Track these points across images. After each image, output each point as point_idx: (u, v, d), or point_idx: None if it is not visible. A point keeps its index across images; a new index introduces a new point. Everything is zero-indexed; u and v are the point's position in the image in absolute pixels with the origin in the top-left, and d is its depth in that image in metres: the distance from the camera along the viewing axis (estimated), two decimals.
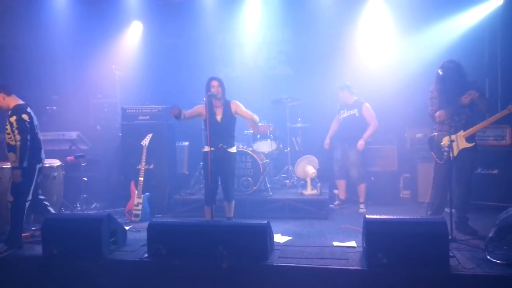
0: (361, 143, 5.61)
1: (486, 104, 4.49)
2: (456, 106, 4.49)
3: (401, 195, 6.43)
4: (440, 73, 4.52)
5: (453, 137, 4.43)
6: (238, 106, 4.88)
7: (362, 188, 5.83)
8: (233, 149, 4.93)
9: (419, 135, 6.27)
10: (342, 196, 6.03)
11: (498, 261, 3.62)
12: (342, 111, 5.86)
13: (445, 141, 4.51)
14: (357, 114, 5.71)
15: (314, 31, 7.00)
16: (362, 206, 5.77)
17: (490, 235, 3.88)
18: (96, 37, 7.24)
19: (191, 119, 4.97)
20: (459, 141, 4.49)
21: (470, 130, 4.45)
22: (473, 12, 6.41)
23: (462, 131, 4.50)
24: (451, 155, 4.43)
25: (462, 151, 4.47)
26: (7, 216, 4.56)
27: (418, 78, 6.23)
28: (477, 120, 4.53)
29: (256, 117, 4.93)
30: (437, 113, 4.62)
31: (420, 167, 6.03)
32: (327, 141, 6.05)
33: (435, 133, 4.73)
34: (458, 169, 4.53)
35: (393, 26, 6.67)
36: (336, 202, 6.02)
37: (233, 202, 4.98)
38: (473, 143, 4.50)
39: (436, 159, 4.67)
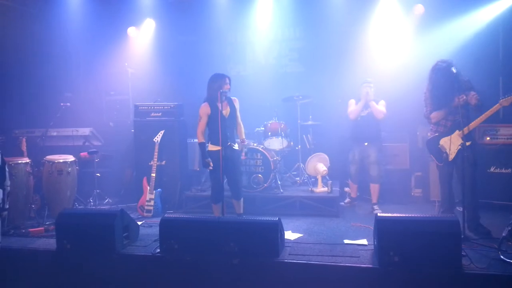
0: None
1: (478, 104, 4.44)
2: (450, 106, 4.50)
3: (412, 194, 6.39)
4: (433, 73, 4.57)
5: (449, 137, 4.51)
6: (238, 105, 4.97)
7: (376, 188, 5.68)
8: (237, 146, 4.99)
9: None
10: (354, 194, 5.97)
11: (511, 261, 3.58)
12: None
13: (442, 142, 4.55)
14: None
15: (325, 28, 6.96)
16: (376, 207, 5.61)
17: (504, 234, 3.85)
18: (109, 35, 7.31)
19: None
20: (456, 141, 4.49)
21: (465, 129, 4.38)
22: (488, 10, 6.31)
23: (457, 131, 4.47)
24: (449, 156, 4.49)
25: (460, 151, 4.43)
26: (23, 210, 4.62)
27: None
28: (473, 118, 4.50)
29: (242, 127, 5.06)
30: (433, 114, 4.63)
31: (432, 166, 5.96)
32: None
33: (431, 135, 4.73)
34: (459, 169, 4.50)
35: (405, 23, 6.60)
36: (347, 200, 6.00)
37: (242, 198, 5.02)
38: (470, 142, 4.47)
39: (436, 162, 4.69)
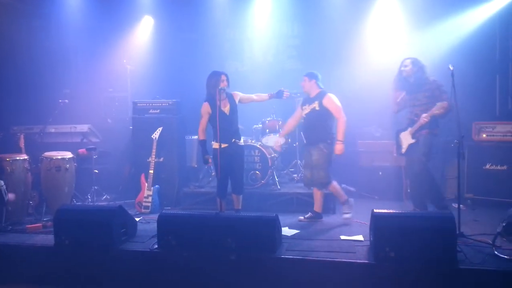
0: (339, 148, 4.80)
1: (445, 108, 4.57)
2: (411, 105, 4.82)
3: (408, 190, 6.41)
4: (398, 72, 4.84)
5: (402, 134, 4.92)
6: (238, 95, 4.98)
7: (318, 195, 5.03)
8: (242, 142, 5.03)
9: None
10: (318, 208, 5.09)
11: (505, 257, 3.62)
12: (304, 107, 5.05)
13: (401, 136, 4.95)
14: (317, 108, 4.88)
15: (324, 25, 6.97)
16: (311, 214, 5.02)
17: (498, 230, 3.89)
18: (107, 32, 7.31)
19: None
20: (407, 138, 4.85)
21: (414, 127, 4.74)
22: (485, 8, 6.33)
23: (410, 128, 4.81)
24: (402, 150, 4.96)
25: (410, 146, 4.82)
26: (21, 206, 4.63)
27: (428, 73, 6.21)
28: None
29: (260, 95, 5.07)
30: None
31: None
32: (279, 140, 5.47)
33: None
34: (408, 163, 5.00)
35: (404, 21, 6.61)
36: (308, 215, 5.14)
37: (242, 195, 5.06)
38: (415, 139, 4.76)
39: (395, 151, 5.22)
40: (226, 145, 4.79)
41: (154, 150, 5.81)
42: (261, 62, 7.46)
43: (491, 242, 3.85)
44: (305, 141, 5.24)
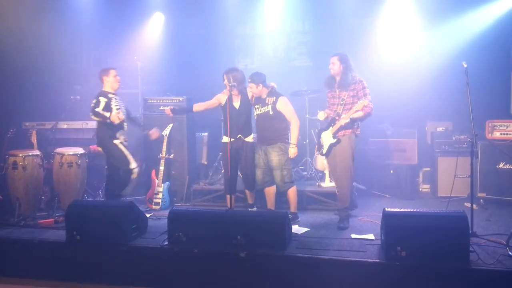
0: (293, 151, 4.80)
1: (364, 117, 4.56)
2: (333, 103, 4.73)
3: (420, 189, 6.38)
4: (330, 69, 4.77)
5: (324, 133, 4.80)
6: (251, 88, 4.91)
7: (290, 193, 4.93)
8: (250, 138, 5.01)
9: (440, 128, 6.19)
10: (271, 205, 5.05)
11: None
12: (257, 106, 4.95)
13: (322, 135, 4.83)
14: (271, 112, 4.81)
15: (335, 22, 6.91)
16: (291, 216, 4.69)
17: None
18: (118, 28, 7.32)
19: (209, 110, 5.20)
20: (328, 137, 4.73)
21: (335, 128, 4.64)
22: (499, 4, 6.23)
23: (331, 127, 4.69)
24: (323, 150, 4.83)
25: (330, 146, 4.73)
26: (34, 201, 4.69)
27: (441, 71, 6.15)
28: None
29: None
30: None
31: (440, 161, 5.96)
32: None
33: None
34: (330, 163, 4.88)
35: (416, 18, 6.53)
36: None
37: (254, 190, 5.09)
38: (336, 139, 4.66)
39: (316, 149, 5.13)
40: (232, 139, 4.75)
41: (164, 147, 5.83)
42: (272, 58, 7.42)
43: (504, 243, 3.80)
44: (256, 140, 5.06)
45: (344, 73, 4.62)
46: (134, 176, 5.13)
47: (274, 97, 4.85)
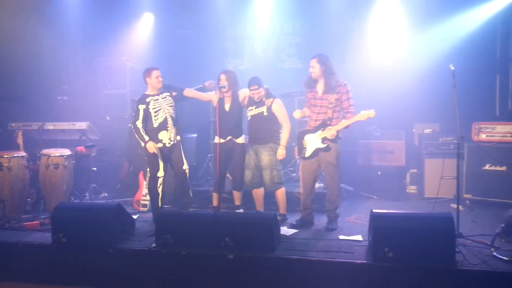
0: (282, 153, 4.82)
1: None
2: (319, 106, 4.60)
3: (407, 190, 6.43)
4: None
5: (309, 136, 4.63)
6: (242, 92, 4.96)
7: (279, 195, 4.98)
8: (241, 140, 5.02)
9: (428, 130, 6.24)
10: (260, 207, 5.08)
11: (504, 258, 3.61)
12: (251, 108, 4.94)
13: (306, 138, 4.66)
14: (265, 113, 4.84)
15: (325, 24, 6.95)
16: (280, 218, 4.76)
17: (497, 231, 3.89)
18: (107, 28, 7.27)
19: (198, 99, 5.22)
20: (315, 141, 4.59)
21: (327, 132, 4.49)
22: (486, 7, 6.33)
23: (320, 131, 4.56)
24: (305, 154, 4.66)
25: (316, 150, 4.59)
26: (19, 203, 4.62)
27: (428, 73, 6.22)
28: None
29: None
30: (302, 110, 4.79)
31: (427, 163, 6.01)
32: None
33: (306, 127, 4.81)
34: (308, 166, 4.70)
35: (404, 20, 6.61)
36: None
37: (242, 191, 5.08)
38: (326, 144, 4.54)
39: (296, 153, 4.95)
40: (223, 140, 4.83)
41: None
42: (261, 59, 7.44)
43: (490, 243, 3.85)
44: (248, 141, 5.09)
45: (327, 76, 4.54)
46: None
47: (272, 98, 4.88)
